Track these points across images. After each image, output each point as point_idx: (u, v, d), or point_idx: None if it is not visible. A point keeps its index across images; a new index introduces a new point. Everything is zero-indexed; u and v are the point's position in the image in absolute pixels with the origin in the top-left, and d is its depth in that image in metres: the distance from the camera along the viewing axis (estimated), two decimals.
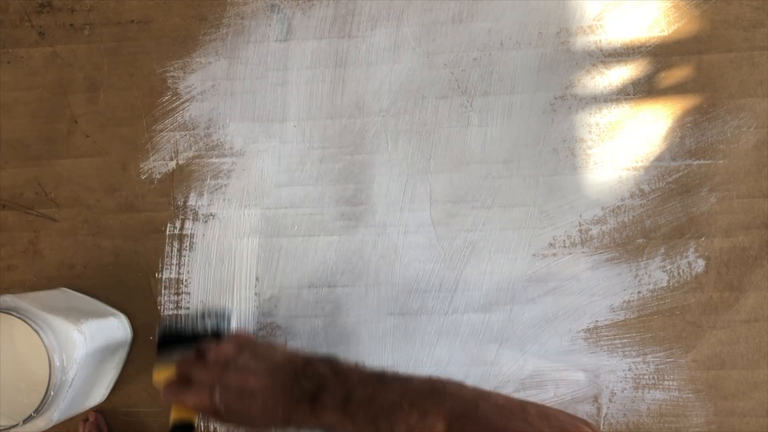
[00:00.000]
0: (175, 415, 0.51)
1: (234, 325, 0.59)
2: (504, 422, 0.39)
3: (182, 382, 0.50)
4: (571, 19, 0.63)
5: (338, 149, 0.64)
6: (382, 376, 0.46)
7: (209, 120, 0.65)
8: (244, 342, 0.51)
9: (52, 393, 0.52)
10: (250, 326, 0.63)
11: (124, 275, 0.65)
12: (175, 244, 0.65)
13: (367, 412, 0.44)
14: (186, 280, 0.65)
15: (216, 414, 0.48)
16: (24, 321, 0.51)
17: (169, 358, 0.54)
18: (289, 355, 0.50)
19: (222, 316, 0.59)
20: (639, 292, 0.62)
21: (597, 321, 0.62)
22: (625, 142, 0.63)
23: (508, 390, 0.63)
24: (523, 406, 0.40)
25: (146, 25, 0.65)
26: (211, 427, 0.63)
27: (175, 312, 0.64)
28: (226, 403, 0.47)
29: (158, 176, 0.65)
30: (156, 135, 0.65)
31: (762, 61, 0.62)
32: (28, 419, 0.51)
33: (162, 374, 0.53)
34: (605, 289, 0.62)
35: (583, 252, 0.63)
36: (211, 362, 0.49)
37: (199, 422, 0.52)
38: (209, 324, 0.58)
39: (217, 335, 0.57)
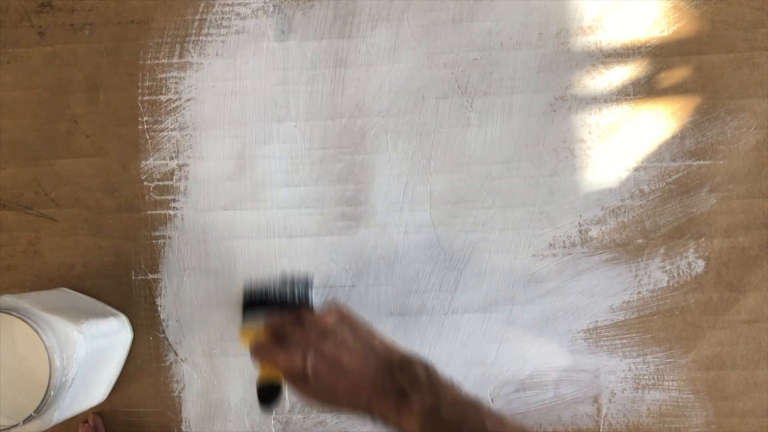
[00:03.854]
0: (262, 374, 0.50)
1: (314, 295, 0.58)
2: None
3: (274, 341, 0.48)
4: (571, 19, 0.63)
5: (338, 149, 0.64)
6: (477, 404, 0.44)
7: (210, 120, 0.65)
8: (344, 316, 0.50)
9: (52, 393, 0.52)
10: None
11: (124, 275, 0.65)
12: (175, 244, 0.65)
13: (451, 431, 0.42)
14: (186, 281, 0.65)
15: (302, 381, 0.47)
16: (24, 321, 0.51)
17: (255, 320, 0.53)
18: (388, 345, 0.49)
19: (306, 283, 0.58)
20: (639, 293, 0.62)
21: (597, 321, 0.62)
22: (625, 143, 0.63)
23: (508, 390, 0.63)
24: None
25: (146, 25, 0.65)
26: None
27: (254, 279, 0.63)
28: (315, 370, 0.46)
29: (158, 176, 0.65)
30: (156, 135, 0.65)
31: (762, 61, 0.62)
32: (28, 419, 0.51)
33: (249, 334, 0.52)
34: (605, 289, 0.63)
35: (582, 252, 0.63)
36: (309, 327, 0.48)
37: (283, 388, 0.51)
38: (293, 290, 0.57)
39: (301, 302, 0.56)
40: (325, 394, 0.47)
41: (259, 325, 0.52)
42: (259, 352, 0.49)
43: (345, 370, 0.46)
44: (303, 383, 0.47)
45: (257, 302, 0.58)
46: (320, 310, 0.51)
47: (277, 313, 0.52)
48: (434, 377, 0.46)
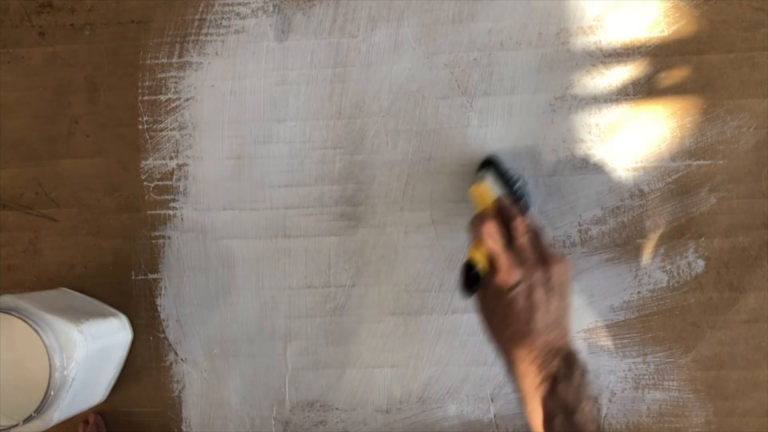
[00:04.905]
0: (471, 254, 0.50)
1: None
2: None
3: (495, 219, 0.49)
4: (571, 19, 0.63)
5: (338, 149, 0.64)
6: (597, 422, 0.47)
7: (209, 120, 0.65)
8: (567, 279, 0.50)
9: (52, 393, 0.52)
10: None
11: (124, 275, 0.65)
12: (175, 244, 0.65)
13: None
14: (186, 281, 0.65)
15: (497, 293, 0.48)
16: (24, 321, 0.51)
17: (488, 181, 0.53)
18: (569, 330, 0.50)
19: (527, 192, 0.58)
20: (639, 293, 0.62)
21: (597, 321, 0.62)
22: (625, 143, 0.63)
23: (508, 390, 0.63)
24: None
25: (146, 25, 0.65)
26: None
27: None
28: (514, 300, 0.47)
29: (158, 176, 0.65)
30: (156, 135, 0.65)
31: (762, 61, 0.62)
32: (28, 419, 0.51)
33: (478, 190, 0.52)
34: (605, 289, 0.63)
35: (582, 252, 0.63)
36: (538, 261, 0.48)
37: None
38: (522, 192, 0.57)
39: (523, 203, 0.56)
40: (498, 319, 0.48)
41: (489, 187, 0.51)
42: (478, 222, 0.50)
43: (531, 321, 0.47)
44: (496, 295, 0.48)
45: (495, 169, 0.58)
46: (556, 253, 0.51)
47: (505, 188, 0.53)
48: (584, 384, 0.48)
